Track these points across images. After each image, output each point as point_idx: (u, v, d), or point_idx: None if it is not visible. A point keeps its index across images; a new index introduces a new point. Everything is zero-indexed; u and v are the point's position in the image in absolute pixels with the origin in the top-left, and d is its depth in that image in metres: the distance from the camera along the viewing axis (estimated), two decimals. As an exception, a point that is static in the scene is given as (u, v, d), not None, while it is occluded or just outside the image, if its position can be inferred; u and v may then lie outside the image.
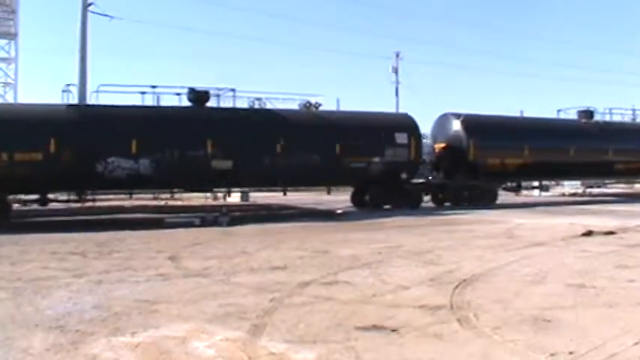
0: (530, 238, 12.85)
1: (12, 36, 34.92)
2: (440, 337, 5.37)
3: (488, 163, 23.74)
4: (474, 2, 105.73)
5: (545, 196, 31.75)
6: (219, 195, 27.10)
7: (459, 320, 5.96)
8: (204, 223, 16.87)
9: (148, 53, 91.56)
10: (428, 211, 21.36)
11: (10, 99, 33.48)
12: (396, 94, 47.86)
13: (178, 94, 19.70)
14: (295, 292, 7.34)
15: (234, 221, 17.15)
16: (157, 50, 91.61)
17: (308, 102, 21.71)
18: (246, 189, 26.34)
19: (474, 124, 24.20)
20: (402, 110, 33.64)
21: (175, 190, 22.03)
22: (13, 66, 35.05)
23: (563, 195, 33.72)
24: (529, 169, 25.16)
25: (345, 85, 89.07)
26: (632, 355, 4.88)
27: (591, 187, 37.39)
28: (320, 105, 21.98)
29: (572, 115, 29.12)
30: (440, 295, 7.14)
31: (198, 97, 19.83)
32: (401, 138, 21.47)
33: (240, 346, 5.09)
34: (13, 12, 34.50)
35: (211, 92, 20.24)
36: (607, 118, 29.51)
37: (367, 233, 14.28)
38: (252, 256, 10.47)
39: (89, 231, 14.82)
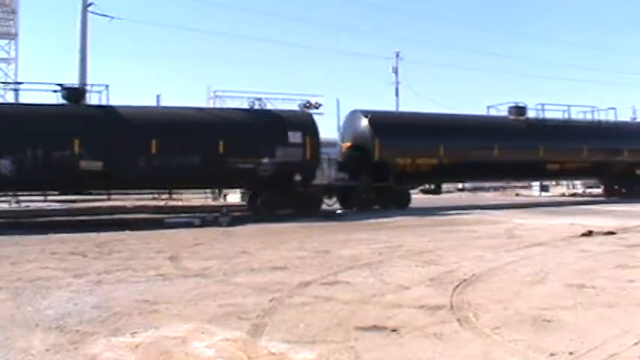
0: (531, 238, 12.85)
1: (12, 36, 34.93)
2: (440, 337, 5.37)
3: (397, 163, 22.19)
4: (474, 2, 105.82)
5: (545, 196, 31.77)
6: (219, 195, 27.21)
7: (458, 320, 5.96)
8: (204, 223, 16.88)
9: (149, 53, 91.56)
10: (428, 212, 21.35)
11: (10, 99, 33.47)
12: (396, 94, 47.98)
13: (55, 91, 18.67)
14: (295, 292, 7.34)
15: (235, 221, 17.16)
16: (157, 51, 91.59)
17: (308, 102, 21.72)
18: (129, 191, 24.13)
19: (382, 122, 22.64)
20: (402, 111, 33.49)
21: (37, 192, 20.59)
22: (13, 66, 35.06)
23: (563, 195, 33.73)
24: (445, 170, 23.39)
25: (345, 85, 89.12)
26: (632, 355, 4.88)
27: (591, 187, 37.40)
28: (320, 105, 22.01)
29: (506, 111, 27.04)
30: (440, 295, 7.14)
31: (71, 94, 18.81)
32: (294, 137, 19.70)
33: (240, 346, 5.09)
34: (13, 12, 34.51)
35: (89, 89, 19.44)
36: (563, 115, 27.64)
37: (368, 233, 14.28)
38: (253, 256, 10.47)
39: (89, 231, 14.82)
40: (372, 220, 17.91)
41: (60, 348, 5.08)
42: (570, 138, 26.44)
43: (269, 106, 21.08)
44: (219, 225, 16.57)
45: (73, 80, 29.51)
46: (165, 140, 18.13)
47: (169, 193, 23.43)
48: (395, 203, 22.01)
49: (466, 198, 33.37)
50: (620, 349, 4.97)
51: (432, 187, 25.05)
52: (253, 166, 19.08)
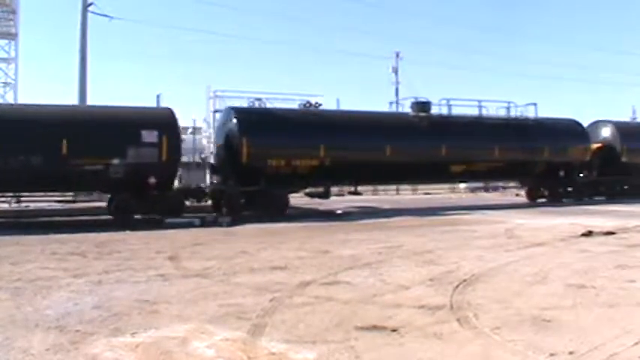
0: (531, 239, 12.85)
1: (12, 36, 34.90)
2: (440, 337, 5.38)
3: (269, 165, 19.59)
4: (474, 2, 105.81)
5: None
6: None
7: (458, 320, 5.96)
8: (205, 224, 16.88)
9: (149, 53, 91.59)
10: (427, 212, 21.35)
11: (10, 99, 33.47)
12: (396, 94, 47.86)
13: None
14: (295, 293, 7.34)
15: (235, 221, 17.16)
16: (157, 51, 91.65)
17: (308, 102, 21.70)
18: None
19: (253, 119, 20.20)
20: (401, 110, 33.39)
21: None
22: (13, 66, 35.04)
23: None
24: (328, 172, 20.59)
25: (345, 85, 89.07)
26: (632, 355, 4.88)
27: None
28: (320, 105, 21.97)
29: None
30: (440, 295, 7.14)
31: None
32: (149, 136, 17.76)
33: (240, 346, 5.09)
34: (13, 12, 34.49)
35: None
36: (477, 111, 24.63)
37: (368, 233, 14.29)
38: (253, 257, 10.47)
39: (89, 231, 14.83)
40: (372, 220, 17.92)
41: (60, 348, 5.09)
42: (479, 136, 23.82)
43: (268, 106, 21.03)
44: (219, 225, 16.58)
45: (73, 80, 29.60)
46: (3, 139, 16.30)
47: (17, 197, 21.31)
48: (267, 209, 19.41)
49: (466, 198, 33.36)
50: (620, 349, 4.97)
51: (320, 190, 21.84)
52: (102, 168, 17.10)
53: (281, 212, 19.54)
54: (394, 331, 5.56)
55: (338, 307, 6.56)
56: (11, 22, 34.69)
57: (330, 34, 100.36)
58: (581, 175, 27.47)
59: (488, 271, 8.81)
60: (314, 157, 20.24)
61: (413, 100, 23.94)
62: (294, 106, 21.59)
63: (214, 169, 20.89)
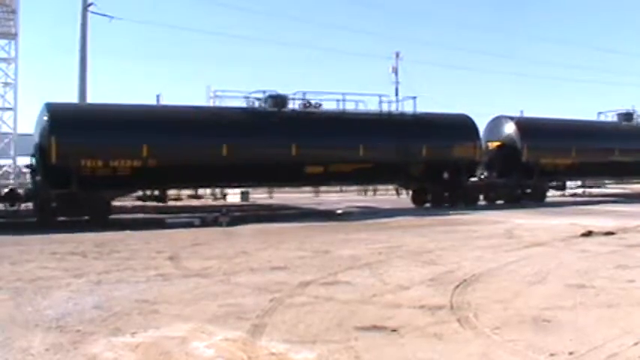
0: (530, 239, 12.85)
1: (12, 36, 34.83)
2: (440, 337, 5.38)
3: (82, 165, 17.18)
4: (474, 2, 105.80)
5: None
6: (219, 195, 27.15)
7: (459, 320, 5.96)
8: (205, 224, 16.88)
9: (149, 53, 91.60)
10: (428, 212, 21.34)
11: (10, 99, 33.45)
12: (396, 94, 47.83)
13: None
14: (295, 293, 7.34)
15: (235, 221, 17.16)
16: (157, 51, 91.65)
17: (308, 102, 21.64)
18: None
19: (64, 117, 18.01)
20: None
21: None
22: (13, 66, 35.00)
23: (564, 195, 33.72)
24: (154, 174, 18.42)
25: (345, 85, 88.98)
26: (632, 355, 4.88)
27: (591, 187, 37.40)
28: (320, 105, 21.91)
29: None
30: (440, 295, 7.14)
31: None
32: None
33: (240, 346, 5.09)
34: (13, 12, 34.42)
35: None
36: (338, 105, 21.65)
37: (368, 233, 14.28)
38: (253, 257, 10.47)
39: (89, 231, 14.83)
40: (372, 221, 17.91)
41: (60, 348, 5.08)
42: (341, 134, 21.12)
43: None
44: (219, 225, 16.57)
45: (73, 80, 29.60)
46: None
47: None
48: (83, 214, 17.43)
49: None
50: (620, 349, 4.97)
51: (156, 193, 19.77)
52: None
53: (100, 218, 17.14)
54: (394, 331, 5.56)
55: (338, 307, 6.56)
56: (11, 22, 34.62)
57: (330, 34, 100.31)
58: (483, 176, 25.49)
59: (488, 271, 8.81)
60: (135, 157, 17.93)
61: (271, 93, 20.93)
62: (295, 106, 21.42)
63: (33, 171, 18.62)
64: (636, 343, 5.13)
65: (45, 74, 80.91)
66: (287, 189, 31.66)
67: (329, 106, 21.81)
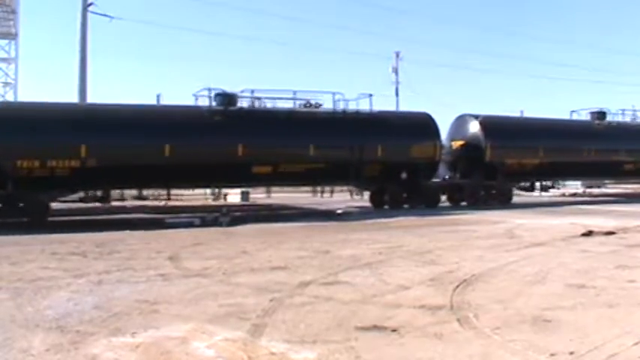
0: (531, 239, 12.85)
1: (12, 36, 34.92)
2: (440, 337, 5.38)
3: (18, 166, 16.83)
4: (474, 2, 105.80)
5: (546, 196, 31.76)
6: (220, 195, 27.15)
7: (459, 320, 5.96)
8: (205, 223, 16.88)
9: (149, 53, 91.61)
10: (429, 212, 21.34)
11: (10, 99, 33.47)
12: (396, 94, 47.96)
13: None
14: (296, 292, 7.34)
15: (235, 221, 17.16)
16: (157, 51, 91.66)
17: (308, 102, 21.65)
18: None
19: (1, 116, 17.66)
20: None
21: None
22: (13, 66, 35.06)
23: (564, 195, 33.73)
24: (95, 175, 17.96)
25: (345, 85, 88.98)
26: (632, 355, 4.88)
27: (591, 187, 37.42)
28: (320, 105, 21.91)
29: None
30: (440, 295, 7.14)
31: None
32: None
33: (240, 346, 5.09)
34: (13, 12, 34.50)
35: None
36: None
37: (368, 233, 14.29)
38: (253, 256, 10.47)
39: (89, 231, 14.83)
40: (373, 221, 17.91)
41: (60, 348, 5.09)
42: (291, 133, 20.64)
43: (269, 105, 20.95)
44: (220, 225, 16.58)
45: (73, 80, 29.62)
46: None
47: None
48: (20, 216, 16.96)
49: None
50: (620, 349, 4.97)
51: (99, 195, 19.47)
52: None
53: (37, 220, 16.69)
54: (394, 331, 5.56)
55: (338, 307, 6.56)
56: (11, 22, 34.70)
57: (330, 34, 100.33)
58: (447, 177, 25.06)
59: (488, 271, 8.81)
60: (74, 157, 17.47)
61: (219, 91, 20.15)
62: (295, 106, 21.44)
63: None
64: (636, 343, 5.13)
65: (45, 74, 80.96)
66: (287, 189, 31.66)
67: (328, 105, 21.80)
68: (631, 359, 4.81)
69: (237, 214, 20.02)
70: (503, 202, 24.24)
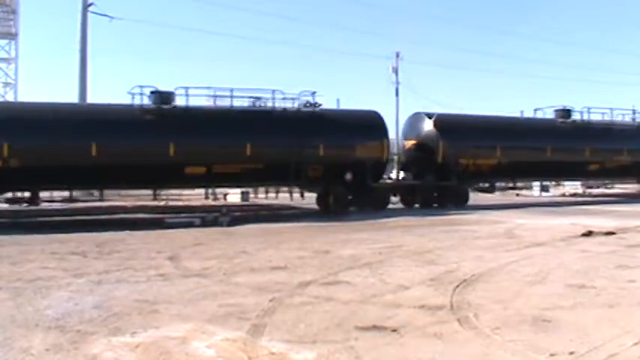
0: (531, 239, 12.85)
1: (12, 36, 34.93)
2: (440, 337, 5.37)
3: None
4: (474, 2, 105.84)
5: (546, 196, 31.77)
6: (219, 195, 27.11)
7: (459, 320, 5.96)
8: (205, 223, 16.87)
9: (149, 53, 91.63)
10: (427, 212, 21.33)
11: (10, 99, 33.46)
12: (396, 94, 47.90)
13: None
14: (295, 292, 7.34)
15: (235, 221, 17.15)
16: (157, 51, 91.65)
17: (308, 102, 21.60)
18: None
19: None
20: (402, 111, 33.16)
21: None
22: (13, 66, 35.06)
23: (564, 195, 33.74)
24: (20, 175, 17.12)
25: (345, 85, 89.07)
26: (632, 355, 4.88)
27: (591, 187, 37.40)
28: (320, 105, 21.88)
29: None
30: (440, 295, 7.14)
31: None
32: None
33: (240, 346, 5.09)
34: (13, 12, 34.52)
35: None
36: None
37: (368, 233, 14.28)
38: (253, 256, 10.47)
39: (89, 231, 14.83)
40: (373, 221, 17.90)
41: (60, 348, 5.08)
42: (226, 132, 19.69)
43: (269, 105, 20.86)
44: (220, 225, 16.57)
45: (73, 80, 29.63)
46: None
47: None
48: None
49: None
50: (620, 349, 4.97)
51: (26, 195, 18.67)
52: None
53: None
54: (394, 331, 5.56)
55: (338, 307, 6.56)
56: (11, 22, 34.71)
57: (330, 34, 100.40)
58: (402, 177, 24.30)
59: (488, 271, 8.81)
60: None
61: (154, 89, 19.19)
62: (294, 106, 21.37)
63: None
64: (636, 343, 5.13)
65: (45, 74, 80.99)
66: (287, 189, 31.27)
67: (326, 102, 21.64)
68: (631, 359, 4.81)
69: (237, 214, 20.02)
70: (459, 203, 23.39)
